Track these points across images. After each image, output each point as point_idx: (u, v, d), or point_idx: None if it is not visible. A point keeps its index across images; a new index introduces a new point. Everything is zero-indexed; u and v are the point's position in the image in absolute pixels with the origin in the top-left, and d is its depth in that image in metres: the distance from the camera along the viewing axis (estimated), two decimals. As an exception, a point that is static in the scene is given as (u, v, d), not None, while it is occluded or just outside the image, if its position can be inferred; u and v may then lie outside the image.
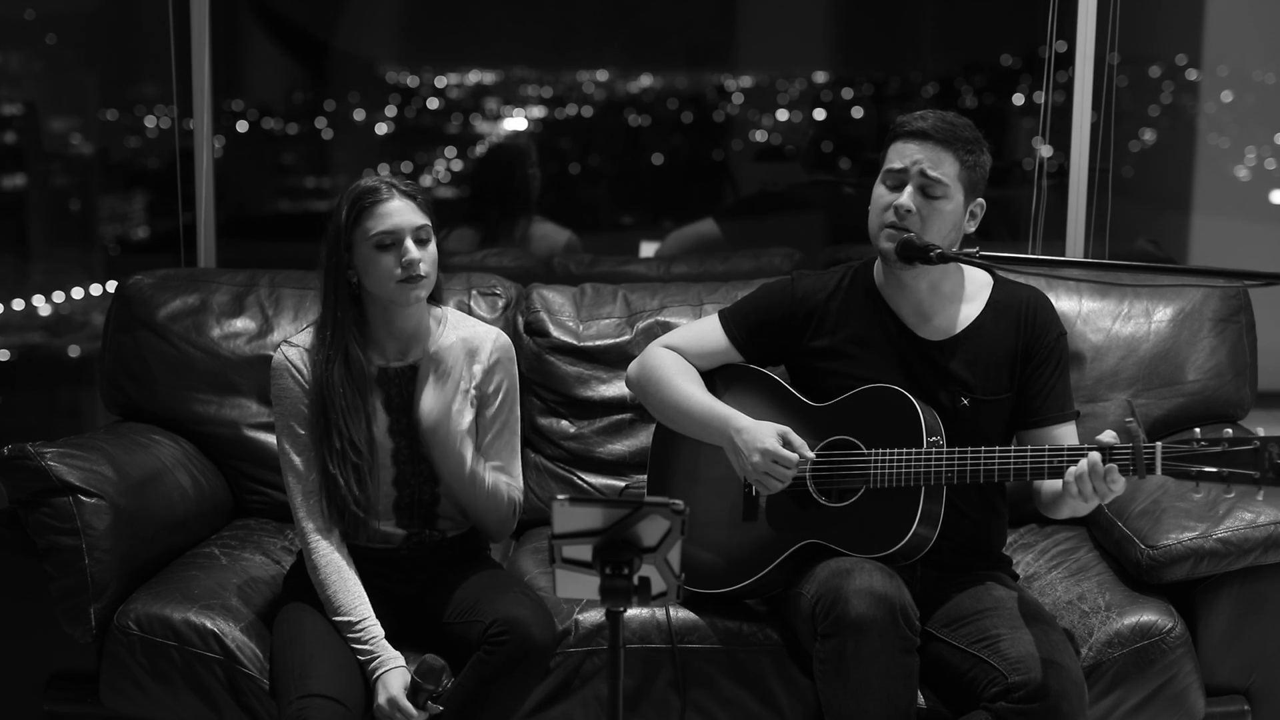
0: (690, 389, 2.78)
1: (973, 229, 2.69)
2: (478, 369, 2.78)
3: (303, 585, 2.73)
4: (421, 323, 2.77)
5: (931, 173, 2.60)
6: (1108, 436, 2.42)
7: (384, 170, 5.34)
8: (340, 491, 2.66)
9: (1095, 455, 2.38)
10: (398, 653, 2.61)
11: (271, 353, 3.32)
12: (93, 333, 5.01)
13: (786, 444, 2.62)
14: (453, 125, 5.43)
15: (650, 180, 5.39)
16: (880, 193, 2.65)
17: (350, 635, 2.61)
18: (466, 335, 2.80)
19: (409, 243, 2.65)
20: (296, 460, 2.70)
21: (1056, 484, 2.52)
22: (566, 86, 5.37)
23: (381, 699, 2.55)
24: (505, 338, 2.84)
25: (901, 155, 2.63)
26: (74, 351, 5.15)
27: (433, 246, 2.69)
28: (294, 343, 2.75)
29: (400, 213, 2.65)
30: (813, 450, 2.66)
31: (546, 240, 4.26)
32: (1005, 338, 2.69)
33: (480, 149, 5.34)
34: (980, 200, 2.68)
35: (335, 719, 2.45)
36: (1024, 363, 2.69)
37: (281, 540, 3.13)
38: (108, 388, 3.37)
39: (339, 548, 2.68)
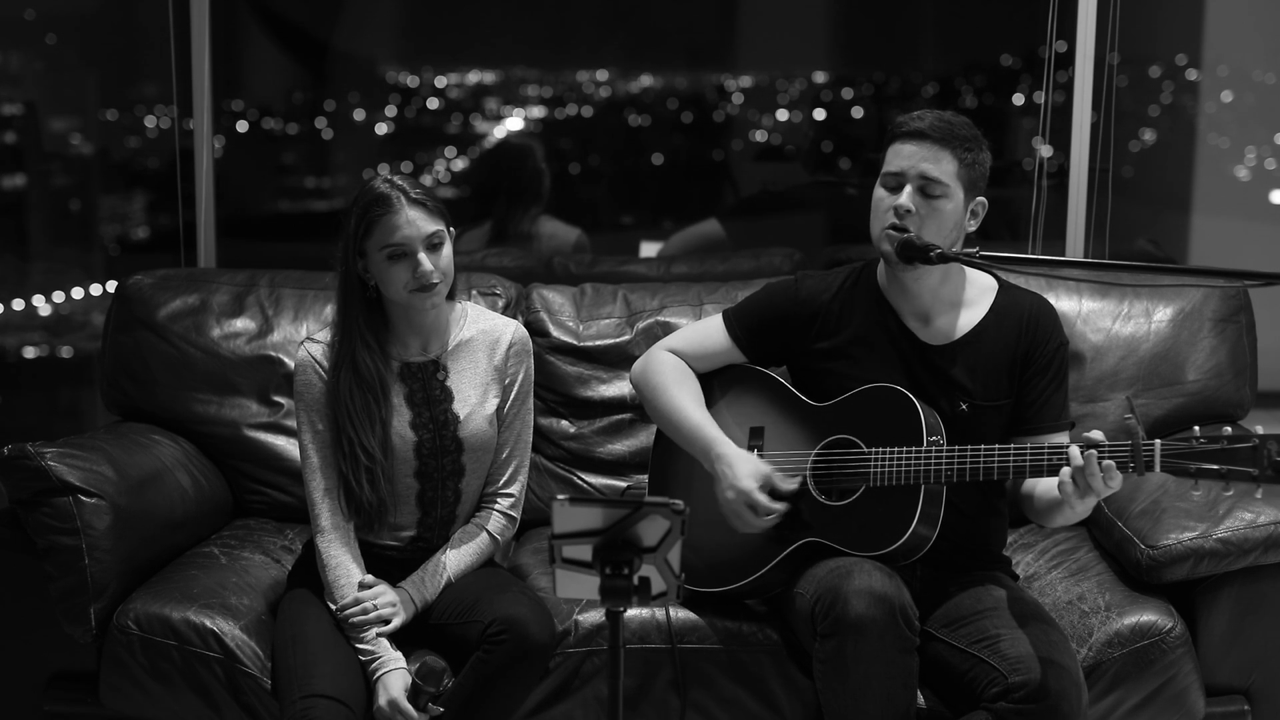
0: (684, 401, 2.78)
1: (974, 228, 2.68)
2: (498, 359, 2.81)
3: (307, 581, 2.74)
4: (441, 317, 2.80)
5: (930, 172, 2.60)
6: (1096, 434, 2.41)
7: (384, 170, 5.34)
8: (353, 490, 2.68)
9: (1090, 452, 2.38)
10: (399, 653, 2.61)
11: (271, 353, 3.35)
12: (93, 333, 5.01)
13: (769, 487, 2.62)
14: (453, 125, 5.43)
15: (650, 180, 5.39)
16: (880, 194, 2.65)
17: (352, 634, 2.62)
18: (486, 328, 2.84)
19: (421, 254, 2.65)
20: (315, 456, 2.72)
21: (1050, 491, 2.52)
22: (566, 86, 5.37)
23: (382, 700, 2.55)
24: (523, 330, 2.87)
25: (900, 156, 2.63)
26: (74, 352, 5.15)
27: (447, 249, 2.70)
28: (317, 339, 2.77)
29: (411, 223, 2.65)
30: (813, 449, 2.66)
31: (555, 239, 4.26)
32: (1006, 344, 2.68)
33: (488, 145, 5.34)
34: (981, 199, 2.67)
35: (340, 719, 2.46)
36: (1023, 369, 2.68)
37: (281, 540, 3.13)
38: (108, 388, 3.37)
39: (350, 543, 2.70)
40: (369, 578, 2.67)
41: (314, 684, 2.49)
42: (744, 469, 2.64)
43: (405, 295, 2.68)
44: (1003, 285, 2.75)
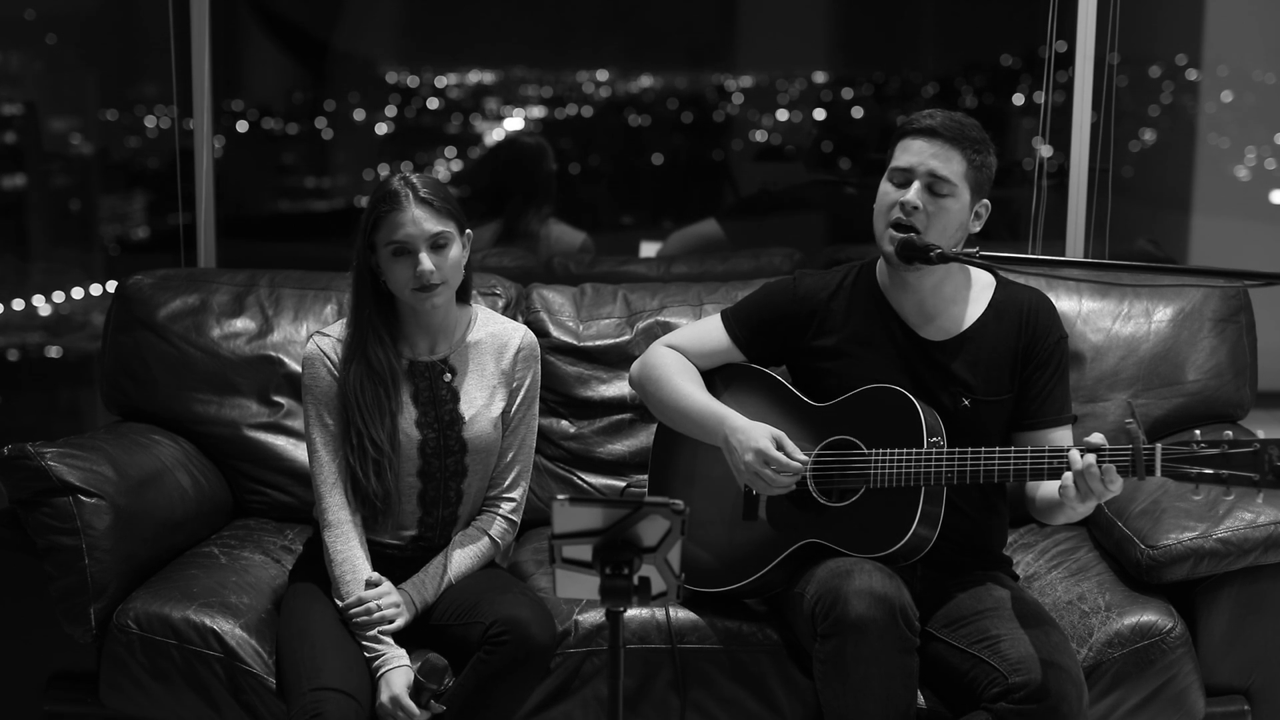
0: (689, 388, 2.79)
1: (977, 229, 2.69)
2: (505, 364, 2.82)
3: (310, 576, 2.75)
4: (449, 317, 2.80)
5: (939, 170, 2.60)
6: (1097, 438, 2.42)
7: (384, 171, 5.34)
8: (360, 483, 2.69)
9: (1090, 456, 2.38)
10: (403, 650, 2.62)
11: (271, 353, 3.35)
12: (93, 333, 5.01)
13: (780, 447, 2.63)
14: (453, 125, 5.43)
15: (650, 180, 5.39)
16: (886, 189, 2.65)
17: (356, 632, 2.63)
18: (496, 331, 2.85)
19: (423, 254, 2.66)
20: (323, 449, 2.73)
21: (1052, 492, 2.52)
22: (566, 86, 5.37)
23: (384, 697, 2.55)
24: (532, 336, 2.88)
25: (909, 152, 2.63)
26: (73, 351, 5.15)
27: (454, 251, 2.70)
28: (327, 333, 2.78)
29: (415, 223, 2.66)
30: (813, 450, 2.66)
31: (562, 242, 4.26)
32: (1006, 339, 2.69)
33: (493, 144, 5.34)
34: (985, 201, 2.68)
35: (349, 713, 2.47)
36: (1024, 364, 2.68)
37: (281, 540, 3.13)
38: (108, 388, 3.37)
39: (357, 537, 2.70)
40: (375, 575, 2.68)
41: (323, 677, 2.50)
42: (758, 431, 2.65)
43: (407, 294, 2.69)
44: (1000, 281, 2.76)
